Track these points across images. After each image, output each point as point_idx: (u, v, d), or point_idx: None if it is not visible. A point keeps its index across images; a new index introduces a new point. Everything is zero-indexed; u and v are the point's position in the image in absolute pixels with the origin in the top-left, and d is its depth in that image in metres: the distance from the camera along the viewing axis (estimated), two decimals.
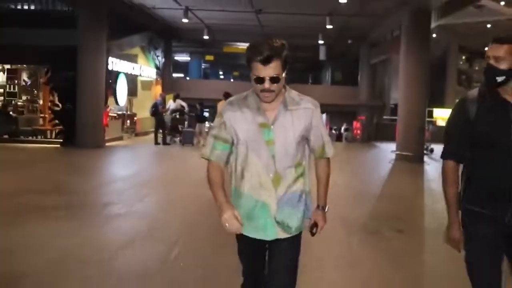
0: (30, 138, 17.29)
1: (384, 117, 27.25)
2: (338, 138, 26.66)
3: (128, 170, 12.92)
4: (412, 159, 15.59)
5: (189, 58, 34.73)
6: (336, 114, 30.95)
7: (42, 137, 17.66)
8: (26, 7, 19.29)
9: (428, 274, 5.57)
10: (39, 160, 13.79)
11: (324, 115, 33.75)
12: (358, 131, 25.28)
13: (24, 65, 20.31)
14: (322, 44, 23.63)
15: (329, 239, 6.17)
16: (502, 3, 26.44)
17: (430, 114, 32.48)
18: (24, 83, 21.16)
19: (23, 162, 13.21)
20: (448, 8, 16.30)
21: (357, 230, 7.16)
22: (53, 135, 17.51)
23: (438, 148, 18.64)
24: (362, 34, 23.45)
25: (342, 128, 28.39)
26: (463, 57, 45.56)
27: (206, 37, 22.34)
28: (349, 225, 7.42)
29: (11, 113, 18.27)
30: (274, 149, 2.77)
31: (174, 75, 30.14)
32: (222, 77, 47.53)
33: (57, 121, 16.96)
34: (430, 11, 16.17)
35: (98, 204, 8.35)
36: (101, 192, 9.64)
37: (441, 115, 34.10)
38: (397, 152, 16.40)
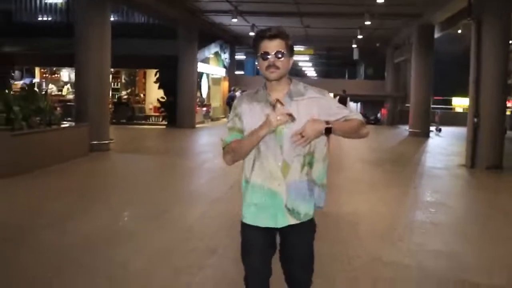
0: (142, 121, 23.91)
1: (406, 105, 32.96)
2: (368, 122, 32.55)
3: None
4: (420, 134, 21.42)
5: (244, 57, 41.04)
6: (368, 103, 37.25)
7: (150, 120, 24.25)
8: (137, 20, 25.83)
9: (403, 174, 11.69)
10: (159, 135, 20.32)
11: (358, 104, 39.75)
12: (385, 116, 31.22)
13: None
14: (355, 47, 29.38)
15: (354, 166, 12.44)
16: None
17: (449, 102, 37.92)
18: (124, 81, 27.88)
19: (151, 136, 19.77)
20: (449, 22, 21.61)
21: (369, 163, 13.30)
22: (159, 120, 24.02)
23: (445, 129, 24.49)
24: (386, 40, 29.10)
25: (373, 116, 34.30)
26: None
27: None
28: (365, 161, 13.59)
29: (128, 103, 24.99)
30: (281, 139, 2.80)
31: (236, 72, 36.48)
32: None
33: (163, 109, 23.47)
34: (434, 25, 21.82)
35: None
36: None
37: (459, 103, 39.40)
38: (410, 130, 22.32)
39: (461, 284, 4.90)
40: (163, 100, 23.20)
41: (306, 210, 2.90)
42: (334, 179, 10.02)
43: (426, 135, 21.68)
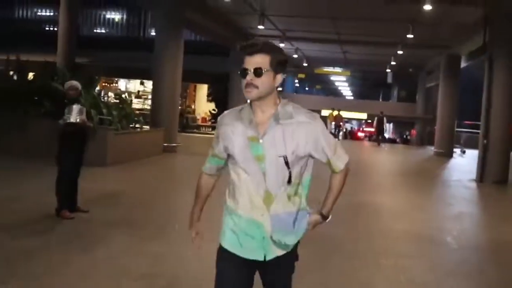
0: (194, 130, 26.86)
1: (435, 127, 35.27)
2: (395, 141, 35.09)
3: None
4: (444, 154, 23.71)
5: (284, 75, 43.66)
6: (399, 123, 39.80)
7: (201, 129, 27.20)
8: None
9: (420, 183, 14.18)
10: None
11: (391, 124, 42.15)
12: (414, 137, 33.65)
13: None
14: (389, 72, 31.91)
15: (381, 175, 15.03)
16: None
17: (478, 127, 39.85)
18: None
19: (206, 142, 22.35)
20: (473, 55, 23.81)
21: (395, 174, 15.81)
22: (209, 130, 26.92)
23: (470, 151, 26.70)
24: (418, 66, 31.55)
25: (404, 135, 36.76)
26: None
27: (305, 64, 31.27)
28: (392, 173, 16.11)
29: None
30: (264, 166, 2.54)
31: None
32: (307, 88, 56.76)
33: (214, 120, 26.38)
34: (461, 56, 24.16)
35: None
36: None
37: None
38: (435, 150, 24.65)
39: (444, 242, 7.49)
40: (214, 112, 26.10)
41: (292, 241, 2.70)
42: (366, 184, 12.65)
43: (449, 155, 23.92)
